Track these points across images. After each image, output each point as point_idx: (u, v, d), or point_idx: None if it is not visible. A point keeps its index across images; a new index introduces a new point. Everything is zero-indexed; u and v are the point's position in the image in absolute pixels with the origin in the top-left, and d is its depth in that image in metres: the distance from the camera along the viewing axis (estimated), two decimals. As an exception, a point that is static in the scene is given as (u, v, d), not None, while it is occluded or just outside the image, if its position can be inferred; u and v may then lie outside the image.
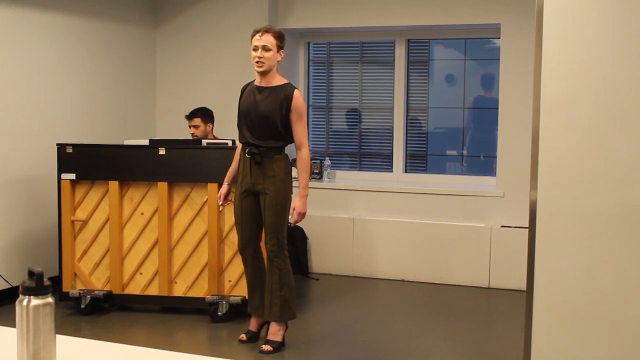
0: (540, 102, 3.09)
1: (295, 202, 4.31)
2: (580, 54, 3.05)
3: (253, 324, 4.58)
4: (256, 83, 4.36)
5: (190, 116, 5.78)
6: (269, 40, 4.24)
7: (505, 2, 5.98)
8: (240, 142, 4.42)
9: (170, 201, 5.08)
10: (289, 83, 4.34)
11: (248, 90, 4.39)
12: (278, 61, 4.31)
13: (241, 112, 4.37)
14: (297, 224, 6.26)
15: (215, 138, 5.67)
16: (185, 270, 5.11)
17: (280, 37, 4.29)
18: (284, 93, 4.26)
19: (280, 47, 4.28)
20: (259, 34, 4.25)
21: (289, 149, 4.41)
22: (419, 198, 6.30)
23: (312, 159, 6.66)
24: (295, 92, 4.27)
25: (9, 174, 5.41)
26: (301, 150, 4.28)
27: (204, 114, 5.77)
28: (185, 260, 5.10)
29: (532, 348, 3.17)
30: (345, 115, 7.05)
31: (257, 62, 4.24)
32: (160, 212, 5.07)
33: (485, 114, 6.61)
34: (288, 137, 4.31)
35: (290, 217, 4.35)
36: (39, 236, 5.62)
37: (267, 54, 4.23)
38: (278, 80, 4.32)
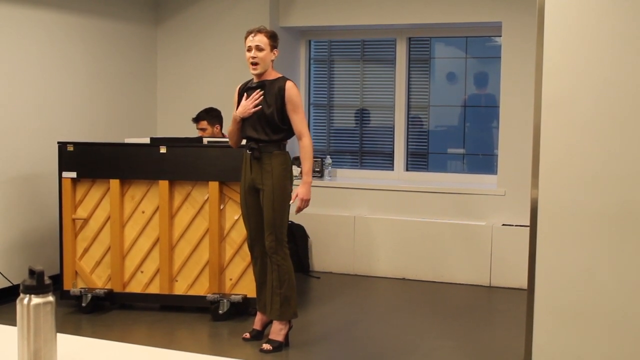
0: (542, 100, 3.09)
1: (298, 189, 4.32)
2: (582, 52, 3.05)
3: (258, 323, 4.58)
4: (253, 81, 4.41)
5: (197, 119, 5.77)
6: (261, 40, 4.29)
7: (506, 1, 5.98)
8: (241, 137, 4.46)
9: (171, 199, 5.08)
10: (282, 76, 4.37)
11: (247, 90, 4.42)
12: (272, 60, 4.36)
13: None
14: (298, 223, 6.27)
15: (224, 137, 5.64)
16: (186, 269, 5.11)
17: (272, 36, 4.34)
18: (277, 86, 4.31)
19: (273, 47, 4.33)
20: (252, 34, 4.32)
21: (294, 145, 4.42)
22: (420, 196, 6.29)
23: (313, 158, 6.69)
24: (288, 83, 4.31)
25: (10, 172, 5.41)
26: (302, 139, 4.31)
27: (210, 115, 5.75)
28: (186, 259, 5.10)
29: (533, 347, 3.17)
30: (347, 113, 7.05)
31: (251, 63, 4.30)
32: (161, 211, 5.07)
33: (483, 111, 6.61)
34: (286, 128, 4.33)
35: (291, 202, 4.36)
36: (39, 234, 5.62)
37: (260, 54, 4.28)
38: (273, 75, 4.37)
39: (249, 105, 4.32)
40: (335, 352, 4.57)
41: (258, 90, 4.33)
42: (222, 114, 5.82)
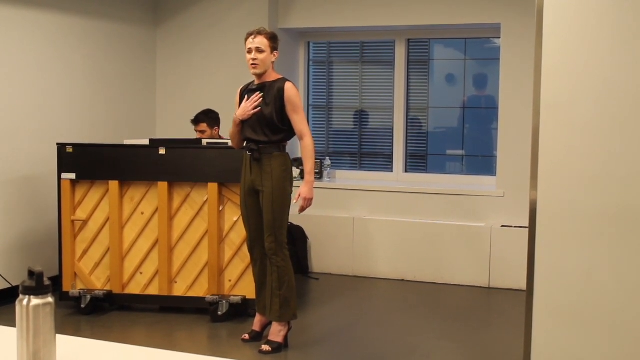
0: (540, 101, 3.09)
1: (300, 188, 4.32)
2: (581, 53, 3.05)
3: (257, 324, 4.58)
4: (254, 83, 4.42)
5: (196, 121, 5.75)
6: (262, 42, 4.29)
7: (505, 2, 5.98)
8: (241, 138, 4.46)
9: (171, 201, 5.08)
10: (282, 77, 4.37)
11: (248, 92, 4.43)
12: (273, 62, 4.36)
13: None
14: (298, 224, 6.27)
15: (222, 139, 5.64)
16: (185, 270, 5.11)
17: (273, 38, 4.34)
18: (277, 87, 4.31)
19: (273, 48, 4.33)
20: (252, 36, 4.33)
21: (294, 145, 4.41)
22: (419, 198, 6.30)
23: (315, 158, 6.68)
24: (287, 84, 4.31)
25: (9, 173, 5.41)
26: (303, 139, 4.32)
27: (210, 118, 5.74)
28: (186, 260, 5.10)
29: (532, 348, 3.17)
30: (346, 115, 7.05)
31: (252, 64, 4.30)
32: (160, 212, 5.07)
33: (482, 113, 6.61)
34: (285, 129, 4.33)
35: (294, 201, 4.35)
36: (39, 236, 5.62)
37: (260, 56, 4.28)
38: (273, 77, 4.37)
39: (248, 107, 4.32)
40: (334, 353, 4.57)
41: (257, 93, 4.34)
42: (222, 116, 5.82)
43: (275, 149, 4.33)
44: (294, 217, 5.27)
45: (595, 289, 3.06)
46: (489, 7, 6.05)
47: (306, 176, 4.33)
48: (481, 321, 5.23)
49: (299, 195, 4.33)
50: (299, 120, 4.32)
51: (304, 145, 4.33)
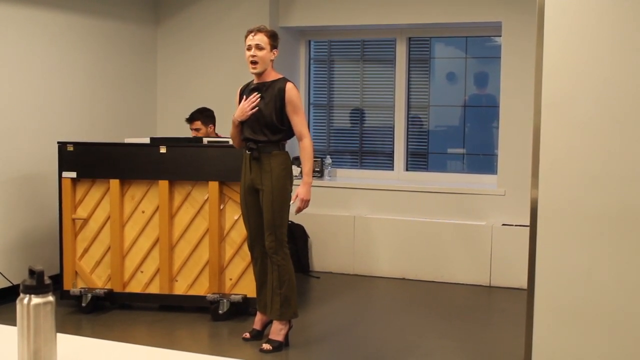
0: (541, 100, 3.09)
1: (298, 189, 4.33)
2: (581, 52, 3.05)
3: (258, 322, 4.58)
4: (254, 82, 4.41)
5: (191, 119, 5.75)
6: (262, 39, 4.29)
7: (506, 0, 5.98)
8: (241, 138, 4.46)
9: (171, 199, 5.08)
10: (282, 77, 4.37)
11: (247, 91, 4.43)
12: (272, 60, 4.35)
13: None
14: (298, 223, 6.27)
15: (218, 136, 5.66)
16: (186, 269, 5.11)
17: (273, 36, 4.34)
18: (278, 87, 4.31)
19: (273, 46, 4.33)
20: (252, 33, 4.32)
21: (293, 145, 4.41)
22: (420, 196, 6.29)
23: (313, 158, 6.68)
24: (288, 84, 4.31)
25: (10, 172, 5.41)
26: (302, 140, 4.32)
27: (204, 116, 5.74)
28: (186, 259, 5.10)
29: (532, 347, 3.17)
30: (346, 113, 7.05)
31: (251, 61, 4.30)
32: (161, 211, 5.07)
33: (483, 111, 6.61)
34: (285, 129, 4.33)
35: (292, 202, 4.36)
36: (39, 234, 5.62)
37: (260, 53, 4.28)
38: (273, 76, 4.36)
39: (246, 107, 4.32)
40: (335, 352, 4.57)
41: (255, 93, 4.34)
42: (222, 114, 5.82)
43: (274, 147, 4.33)
44: (295, 215, 5.27)
45: (596, 287, 3.07)
46: (490, 6, 6.05)
47: (304, 177, 4.34)
48: (482, 320, 5.23)
49: (297, 196, 4.34)
50: (299, 122, 4.31)
51: (302, 147, 4.32)
